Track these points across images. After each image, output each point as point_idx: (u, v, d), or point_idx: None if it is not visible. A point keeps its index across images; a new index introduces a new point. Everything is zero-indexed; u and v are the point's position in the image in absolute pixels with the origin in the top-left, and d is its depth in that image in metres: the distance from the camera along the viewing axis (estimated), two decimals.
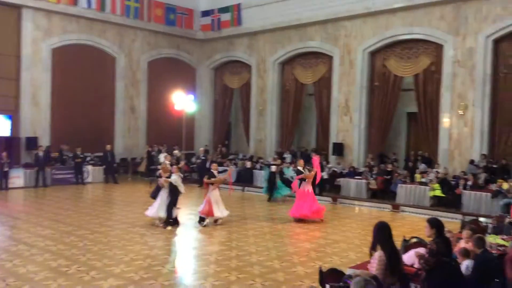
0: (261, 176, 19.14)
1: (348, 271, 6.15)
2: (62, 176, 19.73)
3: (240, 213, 14.37)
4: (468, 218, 12.32)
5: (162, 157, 19.33)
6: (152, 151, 22.15)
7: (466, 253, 6.36)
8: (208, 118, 26.20)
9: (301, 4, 21.34)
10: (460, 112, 17.00)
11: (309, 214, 13.20)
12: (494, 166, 16.12)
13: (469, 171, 15.93)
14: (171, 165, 12.95)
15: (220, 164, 18.51)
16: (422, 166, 17.79)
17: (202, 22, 25.59)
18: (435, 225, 5.42)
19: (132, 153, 23.43)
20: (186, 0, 25.32)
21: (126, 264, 8.62)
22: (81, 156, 19.92)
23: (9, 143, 19.34)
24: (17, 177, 18.35)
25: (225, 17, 24.48)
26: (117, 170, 21.67)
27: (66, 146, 20.35)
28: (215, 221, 12.51)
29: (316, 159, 14.29)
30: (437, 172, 16.30)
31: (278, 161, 18.24)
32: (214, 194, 12.43)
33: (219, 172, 13.24)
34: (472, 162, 16.48)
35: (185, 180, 12.95)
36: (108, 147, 20.89)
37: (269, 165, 18.08)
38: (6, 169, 17.78)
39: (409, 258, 6.43)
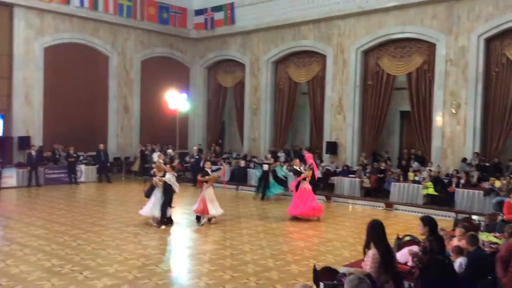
0: (255, 175, 19.14)
1: (342, 269, 6.17)
2: (55, 175, 19.64)
3: (234, 212, 14.38)
4: (461, 216, 12.38)
5: (155, 156, 19.30)
6: (146, 150, 22.11)
7: (459, 251, 6.40)
8: (202, 117, 26.17)
9: (294, 3, 21.36)
10: (453, 110, 17.09)
11: (309, 212, 13.23)
12: (487, 164, 16.22)
13: (462, 169, 16.02)
14: (165, 164, 12.93)
15: (214, 163, 18.50)
16: (415, 165, 17.88)
17: (196, 21, 25.54)
18: (428, 223, 5.44)
19: (125, 152, 23.36)
20: None
21: (120, 264, 8.60)
22: (74, 155, 19.83)
23: (2, 142, 19.20)
24: (10, 177, 18.23)
25: (219, 16, 24.44)
26: (110, 170, 21.60)
27: (59, 145, 20.24)
28: (209, 220, 12.51)
29: (308, 156, 14.35)
30: (430, 170, 16.38)
31: (271, 160, 18.27)
32: (209, 192, 12.44)
33: (212, 171, 13.25)
34: (464, 160, 16.57)
35: (179, 179, 12.93)
36: (102, 146, 20.80)
37: (261, 164, 18.07)
38: None
39: (403, 256, 6.47)
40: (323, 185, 18.16)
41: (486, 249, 7.07)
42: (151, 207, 11.99)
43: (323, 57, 20.85)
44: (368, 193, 17.38)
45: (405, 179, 16.76)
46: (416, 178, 16.39)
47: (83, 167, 20.49)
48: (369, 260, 5.04)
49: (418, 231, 5.75)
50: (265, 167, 17.50)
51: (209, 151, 24.04)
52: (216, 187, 13.11)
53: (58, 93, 20.77)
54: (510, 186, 13.22)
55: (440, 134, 17.46)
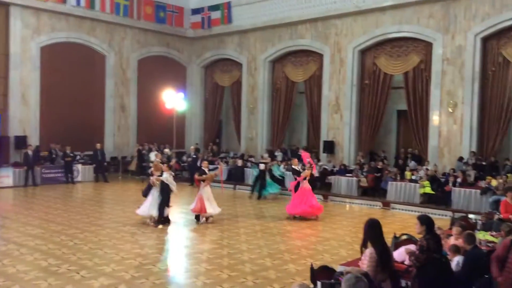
0: (252, 175, 19.13)
1: (339, 268, 6.17)
2: (51, 175, 19.59)
3: (232, 211, 14.37)
4: (457, 215, 12.41)
5: (152, 156, 19.29)
6: (143, 150, 22.07)
7: (456, 250, 6.42)
8: (199, 117, 26.14)
9: (291, 2, 21.36)
10: (450, 109, 17.13)
11: (309, 210, 13.25)
12: (483, 163, 16.27)
13: (458, 168, 16.06)
14: (162, 163, 12.92)
15: (211, 163, 18.48)
16: (412, 164, 17.91)
17: (192, 20, 25.50)
18: (425, 222, 5.45)
19: (122, 151, 23.32)
20: None
21: (117, 263, 8.59)
22: (71, 155, 19.79)
23: None
24: (6, 176, 18.17)
25: (215, 15, 24.41)
26: (107, 169, 21.56)
27: (56, 145, 20.19)
28: (206, 219, 12.50)
29: (305, 155, 14.37)
30: (427, 169, 16.40)
31: (268, 159, 18.27)
32: (206, 191, 12.44)
33: (209, 170, 13.24)
34: (461, 159, 16.61)
35: (176, 179, 12.91)
36: (98, 145, 20.75)
37: (257, 164, 18.06)
38: None
39: (400, 255, 6.47)
40: (320, 184, 18.16)
41: (483, 248, 7.09)
42: (148, 207, 11.96)
43: (320, 56, 20.86)
44: (365, 192, 17.39)
45: (402, 178, 16.79)
46: (413, 177, 16.42)
47: (79, 166, 20.44)
48: (366, 259, 5.04)
49: (415, 230, 5.76)
50: (262, 166, 17.50)
51: (206, 151, 24.02)
52: (213, 187, 13.10)
53: (55, 93, 20.72)
54: (507, 185, 13.23)
55: (436, 133, 17.49)
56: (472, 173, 15.52)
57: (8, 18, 19.79)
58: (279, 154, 20.95)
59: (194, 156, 20.57)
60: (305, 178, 13.54)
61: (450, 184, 15.25)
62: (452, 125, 17.19)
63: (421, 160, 18.09)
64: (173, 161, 19.04)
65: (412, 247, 6.22)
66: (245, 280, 7.85)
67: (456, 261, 6.23)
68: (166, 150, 21.32)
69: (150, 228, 11.66)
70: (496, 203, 12.66)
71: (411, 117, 18.38)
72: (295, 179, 13.83)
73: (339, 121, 20.06)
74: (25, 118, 20.15)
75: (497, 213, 10.55)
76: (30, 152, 18.61)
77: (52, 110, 20.59)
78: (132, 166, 22.41)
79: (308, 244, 10.69)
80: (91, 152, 20.95)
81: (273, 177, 17.89)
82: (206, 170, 12.75)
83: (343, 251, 9.94)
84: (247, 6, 23.12)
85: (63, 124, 20.64)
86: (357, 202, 16.72)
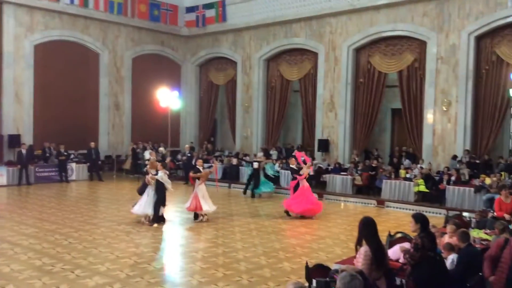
0: (247, 173, 19.13)
1: (334, 267, 6.19)
2: (45, 174, 19.50)
3: (227, 210, 14.37)
4: (451, 213, 12.48)
5: (147, 154, 19.24)
6: (137, 149, 22.02)
7: (450, 248, 6.45)
8: (194, 115, 26.11)
9: (286, 1, 21.33)
10: (444, 108, 17.19)
11: (311, 207, 13.27)
12: (477, 161, 16.34)
13: (452, 167, 16.12)
14: (157, 161, 12.90)
15: (206, 161, 18.47)
16: (406, 162, 17.96)
17: (187, 18, 25.45)
18: (420, 220, 5.48)
19: (116, 150, 23.25)
20: None
21: (112, 262, 8.56)
22: (65, 153, 19.70)
23: None
24: (0, 175, 18.07)
25: (210, 13, 24.37)
26: (101, 168, 21.50)
27: (50, 143, 20.10)
28: (202, 216, 12.48)
29: (299, 154, 14.39)
30: (421, 167, 16.47)
31: (262, 158, 18.26)
32: (201, 189, 12.43)
33: (204, 169, 13.22)
34: (455, 157, 16.68)
35: (170, 177, 12.89)
36: (92, 144, 20.69)
37: (251, 163, 18.04)
38: None
39: (394, 253, 6.50)
40: (315, 183, 18.19)
41: (477, 245, 7.13)
42: (143, 206, 11.91)
43: (314, 54, 20.87)
44: (360, 191, 17.44)
45: (397, 177, 16.83)
46: (408, 176, 16.48)
47: (74, 165, 20.35)
48: (361, 257, 5.06)
49: (409, 228, 5.78)
50: (255, 165, 17.50)
51: (201, 149, 24.00)
52: (208, 185, 13.08)
53: (49, 91, 20.62)
54: (500, 183, 13.32)
55: (431, 132, 17.55)
56: (466, 171, 15.59)
57: (1, 16, 19.67)
58: (274, 153, 20.96)
59: (189, 155, 20.55)
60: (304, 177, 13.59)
61: (444, 182, 15.31)
62: (446, 123, 17.25)
63: (415, 158, 18.15)
64: (168, 160, 19.02)
65: (406, 245, 6.25)
66: (240, 278, 7.85)
67: (450, 259, 6.26)
68: (161, 149, 21.26)
69: (145, 226, 11.64)
70: (490, 201, 12.75)
71: (405, 115, 18.43)
72: (295, 178, 13.73)
73: (334, 120, 20.09)
74: (19, 116, 20.05)
75: (491, 211, 10.62)
76: (23, 151, 18.50)
77: (46, 108, 20.49)
78: (127, 165, 22.35)
79: (303, 242, 10.71)
80: (85, 151, 20.90)
81: (266, 176, 17.89)
82: (201, 168, 12.74)
83: (338, 249, 9.96)
84: (242, 4, 23.09)
85: (57, 123, 20.55)
86: (352, 200, 16.76)
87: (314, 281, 5.38)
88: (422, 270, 5.27)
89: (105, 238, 10.41)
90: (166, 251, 10.05)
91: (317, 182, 18.24)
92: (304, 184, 13.51)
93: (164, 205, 12.06)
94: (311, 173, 16.32)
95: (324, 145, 20.12)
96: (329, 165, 19.15)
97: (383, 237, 6.62)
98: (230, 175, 20.27)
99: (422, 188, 15.61)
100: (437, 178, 15.85)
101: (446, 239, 7.00)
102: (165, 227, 11.80)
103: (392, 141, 21.15)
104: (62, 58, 21.16)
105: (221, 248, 9.82)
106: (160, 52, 25.13)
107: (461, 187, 14.93)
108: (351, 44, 19.53)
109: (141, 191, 12.29)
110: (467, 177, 15.42)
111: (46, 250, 9.27)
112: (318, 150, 20.37)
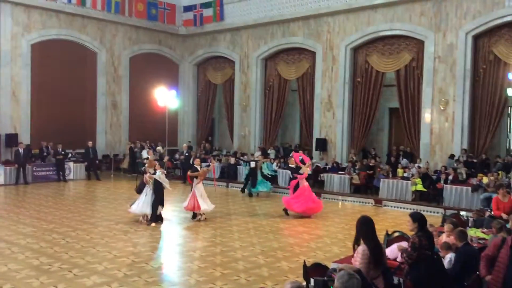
0: (244, 173, 19.12)
1: (332, 266, 6.19)
2: (43, 173, 19.47)
3: (224, 209, 14.37)
4: (449, 212, 12.51)
5: (145, 153, 19.23)
6: (135, 148, 21.99)
7: (448, 247, 6.46)
8: (191, 114, 26.09)
9: (283, 0, 21.35)
10: (441, 107, 17.22)
11: (312, 205, 13.29)
12: (474, 160, 16.38)
13: (449, 166, 16.16)
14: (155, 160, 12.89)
15: (204, 160, 18.47)
16: (404, 161, 18.00)
17: (184, 17, 25.43)
18: (417, 219, 5.49)
19: (114, 149, 23.24)
20: None
21: (110, 261, 8.56)
22: (63, 152, 19.67)
23: None
24: None
25: (208, 12, 24.35)
26: (99, 167, 21.49)
27: (47, 142, 20.06)
28: (200, 215, 12.47)
29: (297, 155, 14.40)
30: (419, 167, 16.49)
31: (260, 157, 18.25)
32: (199, 188, 12.43)
33: (202, 168, 13.21)
34: (452, 156, 16.71)
35: (168, 177, 12.88)
36: (90, 143, 20.69)
37: (248, 162, 18.07)
38: None
39: (392, 252, 6.51)
40: (313, 182, 18.20)
41: (474, 244, 7.15)
42: (141, 205, 11.90)
43: (312, 54, 20.88)
44: (358, 190, 17.46)
45: (394, 176, 16.85)
46: (405, 175, 16.51)
47: (71, 164, 20.33)
48: (359, 256, 5.06)
49: (407, 227, 5.79)
50: (252, 164, 17.50)
51: (199, 148, 23.99)
52: (206, 184, 13.08)
53: (46, 90, 20.60)
54: (498, 182, 13.35)
55: (428, 131, 17.58)
56: (463, 171, 15.63)
57: None
58: (272, 152, 20.96)
59: (187, 154, 20.52)
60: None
61: (442, 182, 15.34)
62: (443, 122, 17.28)
63: (413, 157, 18.18)
64: (166, 159, 19.00)
65: (404, 244, 6.26)
66: (238, 277, 7.85)
67: (448, 258, 6.28)
68: (159, 148, 21.26)
69: (142, 226, 11.63)
70: (487, 200, 12.77)
71: (403, 114, 18.46)
72: (295, 178, 13.71)
73: (332, 119, 20.10)
74: (16, 115, 20.01)
75: (489, 210, 10.64)
76: (21, 150, 18.47)
77: (43, 107, 20.48)
78: (124, 164, 22.35)
79: (301, 241, 10.71)
80: (82, 150, 20.88)
81: (264, 175, 17.88)
82: (198, 168, 12.74)
83: (335, 248, 9.97)
84: (239, 3, 23.08)
85: (55, 122, 20.54)
86: (350, 199, 16.78)
87: (312, 280, 5.38)
88: (419, 269, 5.28)
89: (103, 237, 10.40)
90: (164, 250, 10.04)
91: (315, 181, 18.24)
92: (304, 183, 13.52)
93: (162, 204, 12.06)
94: (309, 172, 16.33)
95: (322, 144, 20.13)
96: (327, 164, 19.17)
97: (381, 236, 6.64)
98: (228, 174, 20.28)
99: (420, 187, 15.64)
100: (434, 177, 15.87)
101: (444, 238, 7.02)
102: (163, 226, 11.80)
103: (390, 140, 21.18)
104: (59, 57, 21.13)
105: (219, 247, 9.82)
106: (157, 51, 25.10)
107: (458, 186, 14.96)
108: (349, 44, 19.55)
109: (139, 190, 12.28)
110: (464, 176, 15.46)
111: (43, 250, 9.26)
112: (316, 149, 20.38)
